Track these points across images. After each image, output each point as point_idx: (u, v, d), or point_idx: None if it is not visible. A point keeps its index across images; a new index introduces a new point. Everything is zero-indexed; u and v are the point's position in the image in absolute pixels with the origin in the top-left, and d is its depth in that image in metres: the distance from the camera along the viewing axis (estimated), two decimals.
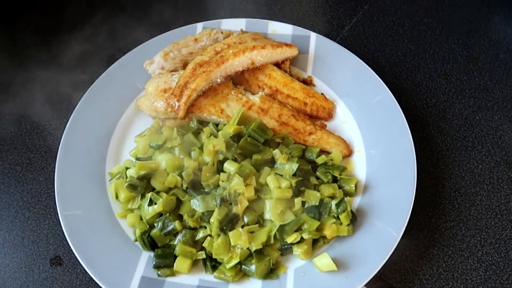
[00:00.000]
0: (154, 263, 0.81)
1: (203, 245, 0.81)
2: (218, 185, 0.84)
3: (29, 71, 1.12)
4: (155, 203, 0.83)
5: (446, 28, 1.16)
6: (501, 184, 0.94)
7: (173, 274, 0.81)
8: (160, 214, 0.84)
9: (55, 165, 0.90)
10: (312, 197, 0.84)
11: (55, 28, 1.18)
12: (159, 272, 0.81)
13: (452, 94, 1.06)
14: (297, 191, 0.85)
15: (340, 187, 0.88)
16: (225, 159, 0.86)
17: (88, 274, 0.80)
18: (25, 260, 0.88)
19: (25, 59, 1.14)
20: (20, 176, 0.97)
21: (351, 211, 0.84)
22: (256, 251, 0.80)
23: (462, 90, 1.07)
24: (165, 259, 0.81)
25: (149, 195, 0.84)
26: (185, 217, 0.83)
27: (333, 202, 0.84)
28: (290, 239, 0.81)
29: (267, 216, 0.82)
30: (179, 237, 0.82)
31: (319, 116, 0.99)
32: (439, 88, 1.07)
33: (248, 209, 0.82)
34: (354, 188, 0.87)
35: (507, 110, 1.03)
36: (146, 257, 0.83)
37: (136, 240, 0.84)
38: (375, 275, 0.78)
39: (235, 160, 0.86)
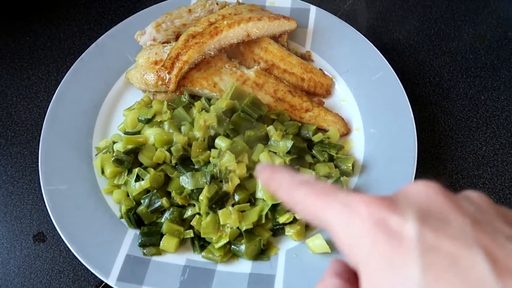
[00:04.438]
0: (139, 241, 0.78)
1: (191, 223, 0.78)
2: (209, 162, 0.81)
3: (16, 41, 1.07)
4: (142, 179, 0.80)
5: (453, 4, 1.11)
6: (506, 167, 0.90)
7: (159, 253, 0.78)
8: (147, 191, 0.80)
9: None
10: None
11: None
12: (144, 251, 0.78)
13: (457, 73, 1.02)
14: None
15: (336, 166, 0.84)
16: (216, 135, 0.82)
17: (72, 252, 0.77)
18: (7, 236, 0.84)
19: (14, 29, 1.09)
20: (4, 150, 0.93)
21: None
22: (246, 231, 0.76)
23: (468, 69, 1.02)
24: (151, 237, 0.78)
25: (136, 170, 0.80)
26: (173, 194, 0.79)
27: (329, 182, 0.80)
28: (282, 219, 0.77)
29: (259, 195, 0.79)
30: (167, 214, 0.79)
31: (317, 92, 0.94)
32: (444, 66, 1.02)
33: (239, 187, 0.78)
34: (351, 168, 0.84)
35: None
36: (132, 235, 0.80)
37: (121, 217, 0.81)
38: None
39: (227, 136, 0.82)
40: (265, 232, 0.79)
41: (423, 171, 0.88)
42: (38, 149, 0.85)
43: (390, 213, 0.29)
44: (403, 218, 0.29)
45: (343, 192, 0.32)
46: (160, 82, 0.88)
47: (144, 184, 0.79)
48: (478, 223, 0.28)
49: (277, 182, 0.37)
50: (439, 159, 0.91)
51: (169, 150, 0.81)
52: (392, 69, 0.92)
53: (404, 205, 0.30)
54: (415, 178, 0.81)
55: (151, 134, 0.83)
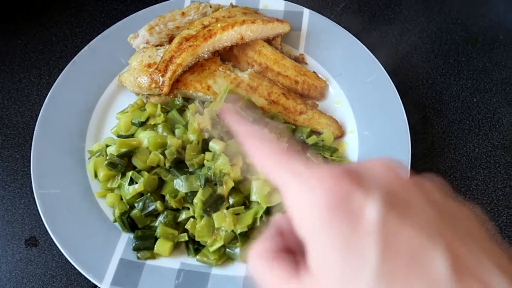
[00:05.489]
0: (133, 245, 0.77)
1: (186, 227, 0.77)
2: (203, 165, 0.80)
3: (8, 44, 1.06)
4: (136, 183, 0.79)
5: (445, 7, 1.12)
6: (498, 168, 0.90)
7: (153, 256, 0.77)
8: (141, 194, 0.80)
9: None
10: None
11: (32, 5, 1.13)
12: (138, 255, 0.77)
13: (450, 75, 1.02)
14: None
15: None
16: (210, 138, 0.82)
17: (65, 256, 0.76)
18: None
19: (5, 32, 1.08)
20: None
21: None
22: (241, 233, 0.76)
23: (460, 72, 1.03)
24: (145, 241, 0.77)
25: (129, 173, 0.80)
26: (167, 197, 0.79)
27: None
28: None
29: (254, 197, 0.78)
30: (161, 218, 0.78)
31: (311, 95, 0.94)
32: (436, 69, 1.03)
33: (233, 190, 0.78)
34: None
35: (505, 93, 1.00)
36: (126, 238, 0.79)
37: (115, 221, 0.80)
38: None
39: (221, 139, 0.82)
40: (260, 235, 0.78)
41: (416, 173, 0.88)
42: (30, 152, 0.84)
43: (352, 189, 0.27)
44: (366, 198, 0.26)
45: (296, 157, 0.31)
46: (153, 85, 0.88)
47: (137, 187, 0.78)
48: (441, 214, 0.27)
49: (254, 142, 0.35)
50: (433, 161, 0.91)
51: (163, 153, 0.80)
52: (385, 71, 0.92)
53: (371, 183, 0.27)
54: None
55: (144, 137, 0.82)
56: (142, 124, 0.85)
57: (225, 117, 0.36)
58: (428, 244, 0.25)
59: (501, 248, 0.28)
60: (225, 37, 0.90)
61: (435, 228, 0.26)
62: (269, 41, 0.97)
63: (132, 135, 0.86)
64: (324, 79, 0.96)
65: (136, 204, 0.79)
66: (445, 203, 0.29)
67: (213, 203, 0.77)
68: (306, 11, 1.02)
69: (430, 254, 0.25)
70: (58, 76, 0.92)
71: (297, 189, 0.28)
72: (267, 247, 0.32)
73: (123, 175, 0.81)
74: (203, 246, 0.78)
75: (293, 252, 0.32)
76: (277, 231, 0.34)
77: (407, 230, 0.26)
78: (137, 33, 0.95)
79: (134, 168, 0.82)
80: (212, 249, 0.76)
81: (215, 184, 0.78)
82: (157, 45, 0.95)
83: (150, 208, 0.78)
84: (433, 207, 0.28)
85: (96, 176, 0.82)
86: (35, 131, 0.86)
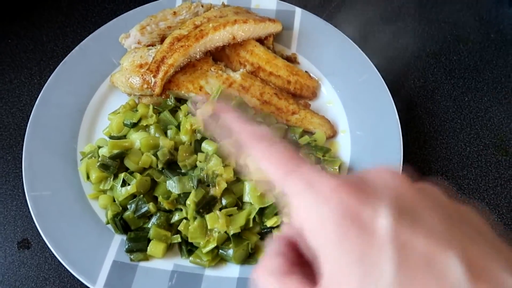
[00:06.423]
0: (126, 247, 0.77)
1: (179, 228, 0.77)
2: (195, 166, 0.80)
3: None
4: (129, 184, 0.79)
5: (437, 6, 1.12)
6: (489, 167, 0.91)
7: (146, 258, 0.77)
8: (133, 196, 0.79)
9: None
10: None
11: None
12: (131, 257, 0.77)
13: (441, 74, 1.02)
14: None
15: (323, 169, 0.84)
16: (203, 139, 0.82)
17: (57, 258, 0.76)
18: None
19: None
20: None
21: None
22: (234, 235, 0.76)
23: (452, 71, 1.03)
24: (138, 243, 0.77)
25: (122, 175, 0.79)
26: (160, 199, 0.79)
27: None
28: (270, 222, 0.77)
29: (246, 198, 0.79)
30: (153, 219, 0.78)
31: (303, 95, 0.95)
32: (428, 68, 1.03)
33: (226, 191, 0.78)
34: (338, 170, 0.84)
35: (496, 91, 1.00)
36: (119, 240, 0.79)
37: (108, 223, 0.80)
38: None
39: (213, 139, 0.82)
40: (253, 236, 0.78)
41: (409, 173, 0.89)
42: (22, 154, 0.84)
43: (362, 204, 0.28)
44: (376, 211, 0.27)
45: (306, 165, 0.30)
46: (145, 86, 0.87)
47: (130, 189, 0.78)
48: (449, 218, 0.28)
49: (239, 128, 0.35)
50: (424, 160, 0.92)
51: (155, 155, 0.80)
52: (377, 71, 0.92)
53: (376, 195, 0.28)
54: None
55: (137, 138, 0.82)
56: (134, 125, 0.84)
57: (224, 115, 0.36)
58: (441, 250, 0.26)
59: (508, 246, 0.29)
60: (217, 37, 0.90)
61: (445, 233, 0.27)
62: (261, 40, 0.97)
63: (124, 136, 0.85)
64: (316, 78, 0.96)
65: (128, 206, 0.79)
66: (451, 206, 0.30)
67: (206, 204, 0.77)
68: (298, 10, 1.02)
69: (444, 260, 0.26)
70: (49, 77, 0.92)
71: (309, 200, 0.29)
72: (276, 263, 0.32)
73: (116, 176, 0.81)
74: (196, 248, 0.78)
75: (307, 263, 0.32)
76: (286, 243, 0.34)
77: (419, 238, 0.27)
78: (129, 33, 0.95)
79: (126, 169, 0.81)
80: (205, 250, 0.76)
81: (208, 185, 0.78)
82: (148, 45, 0.94)
83: (143, 210, 0.78)
84: (441, 212, 0.28)
85: (88, 177, 0.82)
86: (26, 132, 0.85)
